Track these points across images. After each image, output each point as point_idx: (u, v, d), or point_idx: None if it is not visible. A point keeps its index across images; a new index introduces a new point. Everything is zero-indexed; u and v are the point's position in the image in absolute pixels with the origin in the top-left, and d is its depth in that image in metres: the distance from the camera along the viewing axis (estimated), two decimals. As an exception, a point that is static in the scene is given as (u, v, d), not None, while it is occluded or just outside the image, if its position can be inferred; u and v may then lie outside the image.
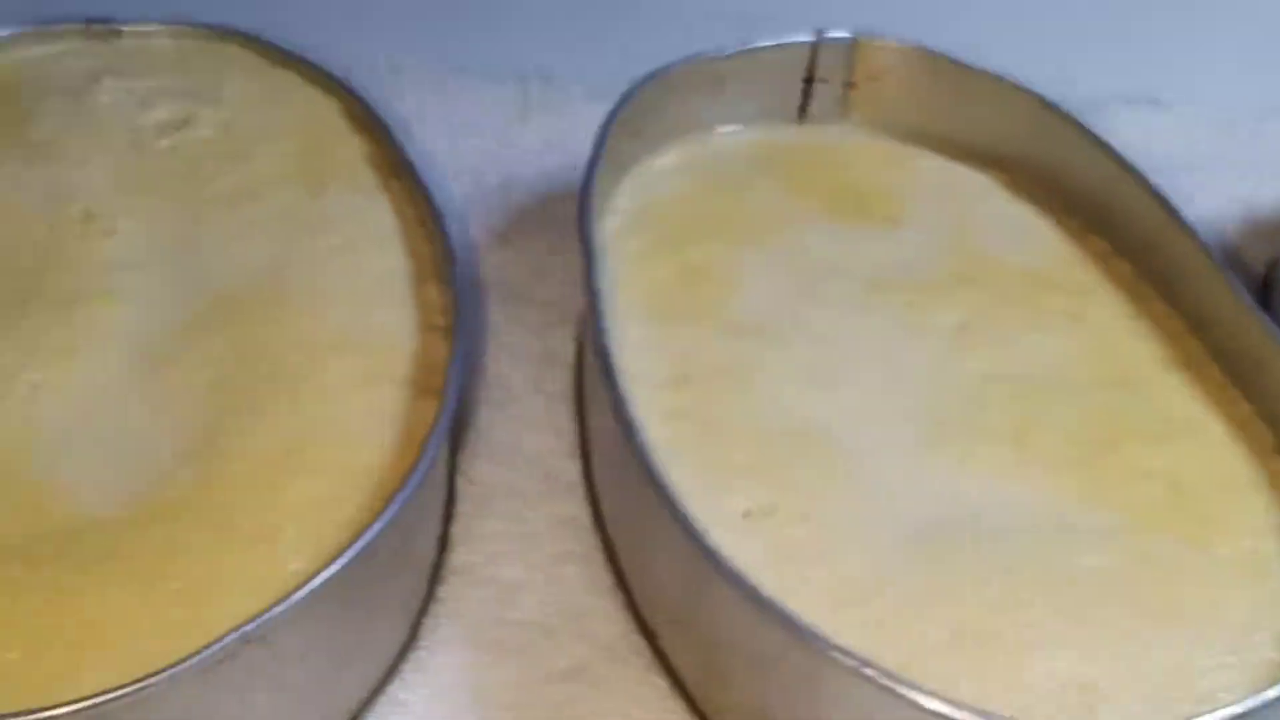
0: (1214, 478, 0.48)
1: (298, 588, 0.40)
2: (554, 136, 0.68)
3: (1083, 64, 0.74)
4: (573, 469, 0.54)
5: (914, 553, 0.44)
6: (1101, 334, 0.54)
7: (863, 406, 0.50)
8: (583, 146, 0.56)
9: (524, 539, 0.51)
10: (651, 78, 0.58)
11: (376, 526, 0.41)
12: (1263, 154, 0.71)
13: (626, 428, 0.45)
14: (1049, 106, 0.59)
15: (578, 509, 0.52)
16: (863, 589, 0.43)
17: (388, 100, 0.62)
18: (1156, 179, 0.57)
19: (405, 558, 0.46)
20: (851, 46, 0.61)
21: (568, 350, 0.58)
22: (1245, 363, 0.51)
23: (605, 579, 0.50)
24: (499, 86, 0.70)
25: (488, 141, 0.68)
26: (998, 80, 0.60)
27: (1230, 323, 0.52)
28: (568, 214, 0.62)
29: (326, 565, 0.41)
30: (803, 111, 0.63)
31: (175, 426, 0.46)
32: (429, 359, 0.49)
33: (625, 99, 0.57)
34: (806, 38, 0.61)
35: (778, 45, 0.61)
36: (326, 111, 0.58)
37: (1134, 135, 0.68)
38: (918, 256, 0.56)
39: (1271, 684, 0.40)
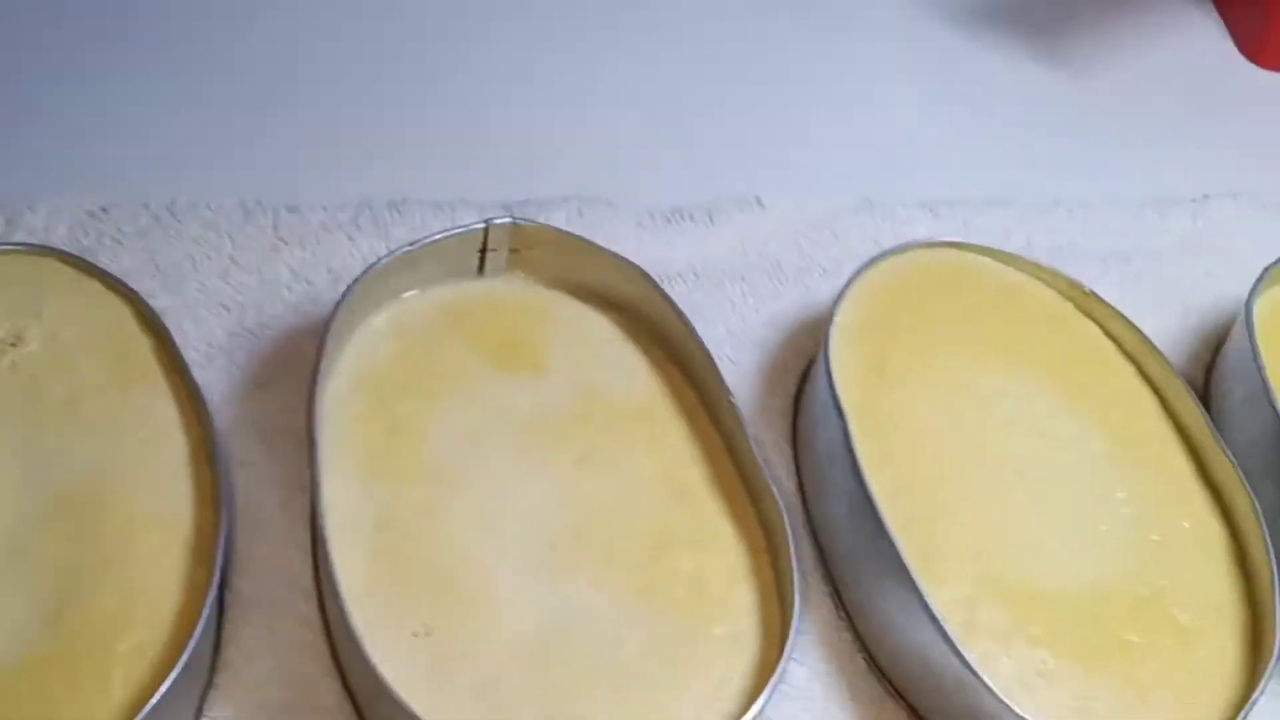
0: (724, 574, 0.70)
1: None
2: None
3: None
4: (307, 575, 0.72)
5: (524, 653, 0.66)
6: (672, 455, 0.75)
7: (503, 538, 0.70)
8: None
9: (274, 639, 0.69)
10: (366, 273, 0.76)
11: (181, 663, 0.62)
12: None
13: (328, 575, 0.65)
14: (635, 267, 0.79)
15: (312, 612, 0.70)
16: (487, 686, 0.65)
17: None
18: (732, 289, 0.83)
19: (197, 668, 0.66)
20: (512, 227, 0.80)
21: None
22: (751, 480, 0.74)
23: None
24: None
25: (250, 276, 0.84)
26: (610, 253, 0.80)
27: (739, 449, 0.74)
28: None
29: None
30: (480, 270, 0.82)
31: (36, 597, 0.64)
32: (204, 527, 0.67)
33: (346, 294, 0.75)
34: (480, 225, 0.80)
35: (458, 232, 0.79)
36: (124, 315, 0.73)
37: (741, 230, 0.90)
38: (553, 401, 0.76)
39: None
